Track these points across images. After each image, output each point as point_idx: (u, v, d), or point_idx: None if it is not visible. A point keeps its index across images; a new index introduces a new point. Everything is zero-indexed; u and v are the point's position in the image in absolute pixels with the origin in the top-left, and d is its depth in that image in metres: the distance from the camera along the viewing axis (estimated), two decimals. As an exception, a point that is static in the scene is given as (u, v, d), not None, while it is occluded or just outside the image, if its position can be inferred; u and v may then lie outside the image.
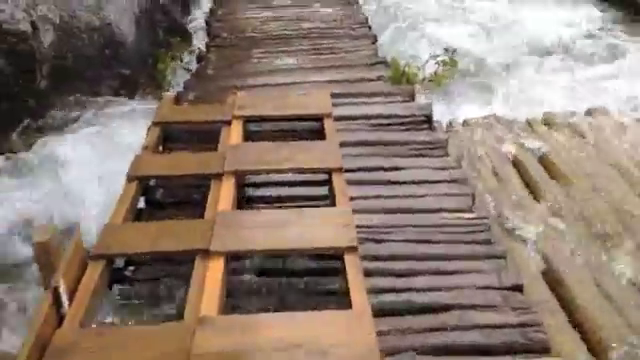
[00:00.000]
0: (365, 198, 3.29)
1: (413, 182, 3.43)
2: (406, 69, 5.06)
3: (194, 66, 5.83)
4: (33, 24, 4.17)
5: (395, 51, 5.99)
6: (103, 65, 4.86)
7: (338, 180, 3.06)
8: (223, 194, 2.95)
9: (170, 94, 4.02)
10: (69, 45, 4.60)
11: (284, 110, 3.84)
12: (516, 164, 3.89)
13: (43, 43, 4.32)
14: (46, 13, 4.30)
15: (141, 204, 3.21)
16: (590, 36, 6.19)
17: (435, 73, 5.29)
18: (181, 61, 6.03)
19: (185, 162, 3.28)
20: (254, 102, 3.96)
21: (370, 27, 6.53)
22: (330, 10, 7.14)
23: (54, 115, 4.29)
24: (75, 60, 4.63)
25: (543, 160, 3.89)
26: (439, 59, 5.40)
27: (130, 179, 3.07)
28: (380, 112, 4.19)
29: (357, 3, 7.41)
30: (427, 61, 5.40)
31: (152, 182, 3.36)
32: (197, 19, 7.49)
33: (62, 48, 4.53)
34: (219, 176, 3.09)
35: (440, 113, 4.47)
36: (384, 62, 5.46)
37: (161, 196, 3.36)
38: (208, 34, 6.59)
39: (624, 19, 6.79)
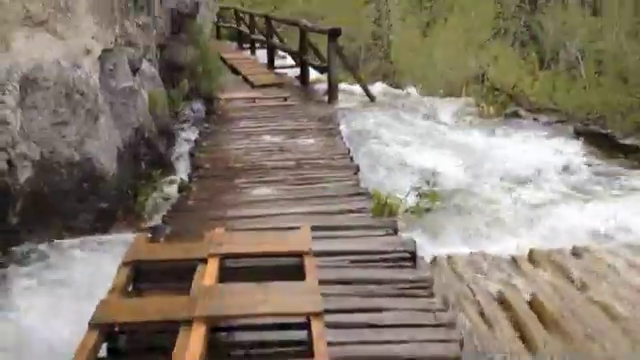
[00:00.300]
0: (343, 344, 3.08)
1: (396, 325, 3.24)
2: (388, 200, 5.04)
3: (175, 197, 5.80)
4: (10, 162, 4.13)
5: (375, 181, 6.04)
6: (80, 199, 4.78)
7: (317, 325, 2.88)
8: (193, 341, 2.75)
9: (143, 234, 3.89)
10: (46, 180, 4.54)
11: (262, 247, 3.71)
12: (504, 304, 3.73)
13: (19, 179, 4.26)
14: (25, 151, 4.28)
15: (103, 352, 2.97)
16: (569, 168, 6.34)
17: (417, 204, 5.28)
18: (162, 191, 6.00)
19: (153, 306, 3.08)
20: (232, 239, 3.85)
21: (352, 158, 6.63)
22: (312, 141, 7.30)
23: (20, 252, 4.13)
24: (51, 195, 4.55)
25: (532, 302, 3.74)
26: (420, 191, 5.42)
27: (92, 326, 2.86)
28: (362, 248, 4.09)
29: (339, 134, 7.59)
30: (408, 193, 5.41)
31: (116, 328, 3.14)
32: (182, 149, 7.59)
33: (39, 183, 4.47)
34: (189, 322, 2.89)
35: (423, 247, 4.38)
36: (366, 193, 5.47)
37: (125, 343, 3.13)
38: (191, 165, 6.65)
39: (601, 153, 7.00)
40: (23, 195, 4.33)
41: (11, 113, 4.26)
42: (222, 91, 9.37)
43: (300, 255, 3.67)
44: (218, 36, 18.32)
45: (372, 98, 9.49)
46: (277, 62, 12.96)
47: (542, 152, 6.82)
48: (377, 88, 10.56)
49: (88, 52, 5.23)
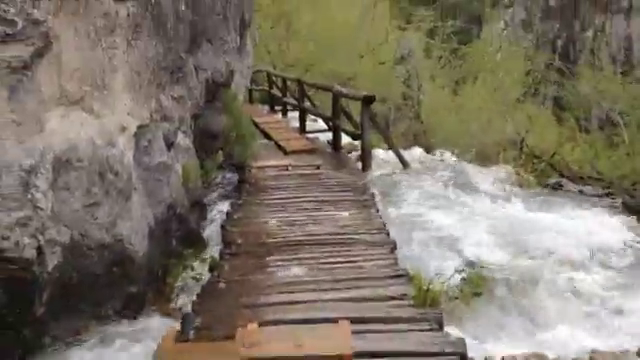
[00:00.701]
0: None
1: None
2: (430, 286, 4.73)
3: (206, 276, 5.59)
4: (39, 249, 3.97)
5: (410, 256, 5.74)
6: (109, 284, 4.58)
7: None
8: None
9: (171, 330, 3.65)
10: (75, 265, 4.37)
11: (300, 349, 3.44)
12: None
13: (47, 267, 4.08)
14: (55, 236, 4.13)
15: None
16: (623, 249, 5.91)
17: (461, 290, 4.95)
18: (192, 270, 5.80)
19: None
20: (265, 337, 3.59)
21: (388, 233, 6.36)
22: (346, 214, 7.06)
23: (48, 344, 3.91)
24: (79, 281, 4.37)
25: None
26: (464, 274, 5.10)
27: None
28: (405, 347, 3.77)
29: (374, 206, 7.35)
30: (451, 277, 5.09)
31: None
32: (214, 220, 7.44)
33: (68, 269, 4.29)
34: None
35: (470, 342, 4.03)
36: (405, 275, 5.16)
37: None
38: (223, 240, 6.45)
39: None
40: (51, 283, 4.15)
41: (42, 197, 4.12)
42: (255, 158, 9.28)
43: (340, 359, 3.39)
44: (250, 99, 18.53)
45: (406, 165, 9.29)
46: (309, 125, 12.94)
47: (591, 229, 6.43)
48: (411, 154, 10.36)
49: (123, 129, 5.15)
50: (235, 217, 7.04)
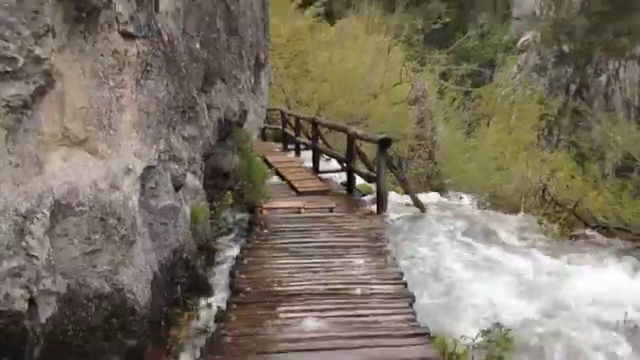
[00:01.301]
0: None
1: None
2: (456, 349, 4.32)
3: (212, 327, 5.23)
4: (32, 300, 3.65)
5: (424, 306, 5.34)
6: (106, 337, 4.23)
7: None
8: None
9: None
10: (71, 317, 4.03)
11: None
12: None
13: (40, 319, 3.75)
14: (50, 287, 3.81)
15: None
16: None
17: (488, 355, 4.53)
18: (198, 320, 5.44)
19: None
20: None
21: (406, 284, 5.98)
22: (361, 261, 6.70)
23: None
24: (75, 334, 4.02)
25: None
26: (489, 336, 4.69)
27: None
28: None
29: (389, 253, 6.99)
30: (476, 338, 4.68)
31: None
32: (223, 266, 7.10)
33: (63, 321, 3.96)
34: None
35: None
36: (426, 334, 4.77)
37: None
38: (231, 287, 6.11)
39: None
40: (44, 337, 3.81)
41: (38, 244, 3.82)
42: (266, 199, 8.98)
43: None
44: (264, 137, 18.38)
45: (422, 209, 8.95)
46: (322, 164, 12.68)
47: (621, 285, 6.00)
48: (427, 197, 10.02)
49: (129, 171, 4.86)
50: (244, 262, 6.71)
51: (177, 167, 5.85)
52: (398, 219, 8.29)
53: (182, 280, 5.62)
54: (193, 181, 6.55)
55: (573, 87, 40.34)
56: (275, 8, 21.93)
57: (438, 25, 30.18)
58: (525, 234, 7.84)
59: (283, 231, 7.95)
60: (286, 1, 22.84)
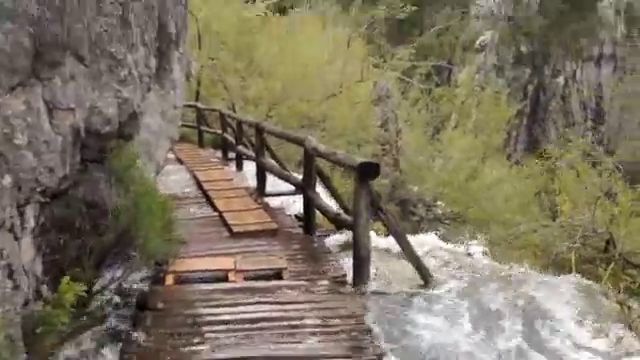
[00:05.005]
0: None
1: None
2: None
3: None
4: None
5: None
6: None
7: None
8: None
9: None
10: None
11: None
12: None
13: None
14: None
15: None
16: None
17: None
18: None
19: None
20: None
21: None
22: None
23: None
24: None
25: None
26: None
27: None
28: None
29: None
30: None
31: None
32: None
33: None
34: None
35: None
36: None
37: None
38: None
39: None
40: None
41: None
42: (176, 251, 5.31)
43: None
44: (200, 142, 14.61)
45: (426, 278, 5.26)
46: (270, 182, 9.02)
47: None
48: (419, 241, 6.49)
49: None
50: None
51: None
52: (387, 297, 4.79)
53: None
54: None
55: (531, 88, 38.14)
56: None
57: (393, 20, 26.39)
58: (599, 320, 4.55)
59: (197, 325, 4.33)
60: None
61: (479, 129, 24.92)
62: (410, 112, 22.76)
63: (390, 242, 6.10)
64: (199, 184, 9.29)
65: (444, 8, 37.17)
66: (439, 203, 20.26)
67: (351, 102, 18.54)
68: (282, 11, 23.58)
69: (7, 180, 3.23)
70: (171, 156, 11.82)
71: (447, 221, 19.55)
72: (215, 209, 7.75)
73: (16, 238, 3.43)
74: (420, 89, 23.31)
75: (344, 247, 6.31)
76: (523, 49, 38.10)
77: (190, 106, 15.12)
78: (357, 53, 20.98)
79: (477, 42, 37.41)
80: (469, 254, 6.23)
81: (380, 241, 6.34)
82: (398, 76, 21.76)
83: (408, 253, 5.01)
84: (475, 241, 7.12)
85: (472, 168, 20.07)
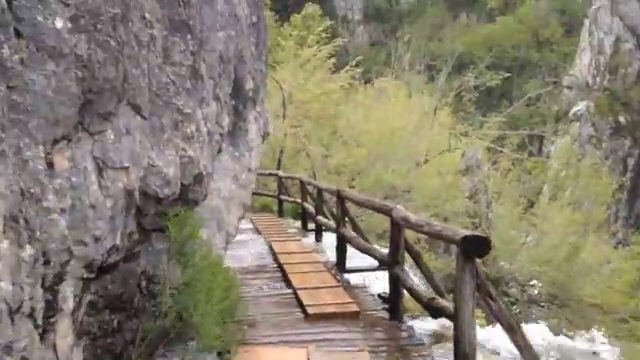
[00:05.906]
0: None
1: None
2: None
3: None
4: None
5: None
6: None
7: None
8: None
9: None
10: None
11: None
12: None
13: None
14: None
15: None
16: None
17: None
18: None
19: None
20: None
21: None
22: None
23: None
24: None
25: None
26: None
27: None
28: None
29: None
30: None
31: None
32: None
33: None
34: None
35: None
36: None
37: None
38: None
39: None
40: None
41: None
42: (238, 342, 4.49)
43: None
44: (280, 211, 14.08)
45: None
46: (351, 255, 8.09)
47: None
48: (530, 332, 5.26)
49: None
50: None
51: None
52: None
53: None
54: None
55: (631, 161, 35.33)
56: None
57: (482, 89, 25.31)
58: None
59: None
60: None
61: (577, 203, 22.92)
62: (501, 183, 21.33)
63: (492, 336, 4.97)
64: (275, 256, 8.57)
65: (535, 78, 35.88)
66: (534, 282, 18.39)
67: (438, 172, 17.54)
68: (367, 81, 23.44)
69: (27, 252, 2.58)
70: (249, 226, 11.29)
71: (544, 303, 17.61)
72: (289, 285, 6.93)
73: (36, 326, 2.74)
74: (511, 160, 21.92)
75: (437, 337, 5.24)
76: (621, 119, 35.68)
77: (271, 174, 14.77)
78: (444, 122, 20.17)
79: (571, 112, 35.46)
80: (594, 353, 4.94)
81: (485, 334, 5.21)
82: (488, 145, 20.60)
83: (529, 357, 3.88)
84: (596, 332, 5.78)
85: (572, 245, 18.14)
